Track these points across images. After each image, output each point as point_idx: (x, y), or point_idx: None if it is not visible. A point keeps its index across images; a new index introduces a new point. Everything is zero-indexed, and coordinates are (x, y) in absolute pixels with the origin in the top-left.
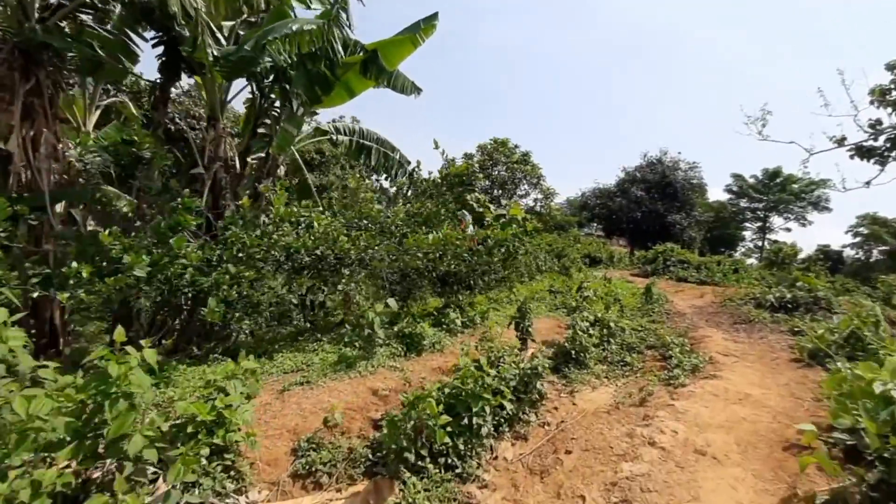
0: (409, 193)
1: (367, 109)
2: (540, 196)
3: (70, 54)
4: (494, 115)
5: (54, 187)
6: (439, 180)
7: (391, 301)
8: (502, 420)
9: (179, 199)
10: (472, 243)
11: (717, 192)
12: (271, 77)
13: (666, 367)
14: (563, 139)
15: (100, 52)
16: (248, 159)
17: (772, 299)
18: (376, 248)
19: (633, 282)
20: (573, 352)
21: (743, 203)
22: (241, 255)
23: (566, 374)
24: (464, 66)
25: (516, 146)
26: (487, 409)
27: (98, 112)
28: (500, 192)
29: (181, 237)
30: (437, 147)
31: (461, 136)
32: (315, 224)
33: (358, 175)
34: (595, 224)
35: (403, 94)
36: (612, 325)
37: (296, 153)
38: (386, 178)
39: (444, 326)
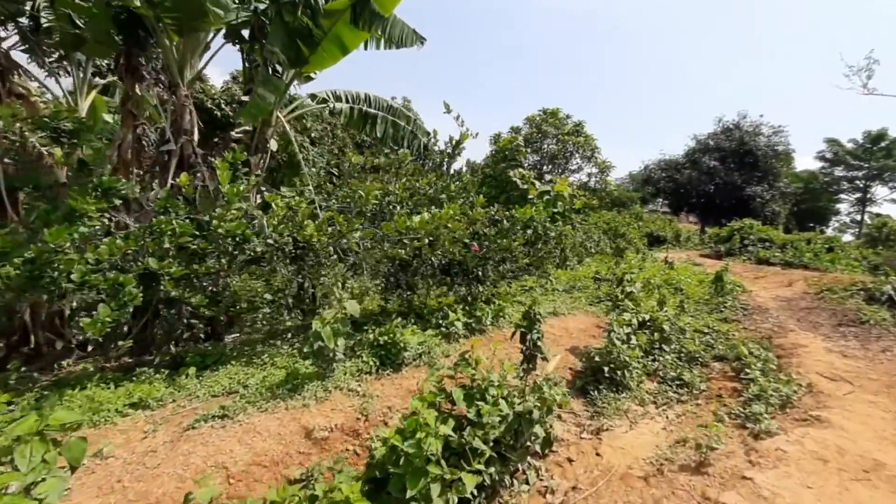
0: (414, 166)
1: (424, 86)
2: (594, 170)
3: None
4: (551, 85)
5: (13, 171)
6: (491, 154)
7: (351, 304)
8: (472, 497)
9: (96, 179)
10: (477, 227)
11: (805, 161)
12: (246, 34)
13: (740, 393)
14: (626, 108)
15: (79, 23)
16: (234, 132)
17: (892, 291)
18: (352, 234)
19: (701, 264)
20: (606, 369)
21: (838, 171)
22: (171, 245)
23: (595, 400)
24: (524, 35)
25: (568, 116)
26: (436, 488)
27: (93, 93)
28: (550, 166)
29: (62, 228)
30: (448, 111)
31: (520, 108)
32: (274, 206)
33: (366, 150)
34: (660, 200)
35: (405, 47)
36: (666, 326)
37: (285, 125)
38: (395, 151)
39: (442, 329)
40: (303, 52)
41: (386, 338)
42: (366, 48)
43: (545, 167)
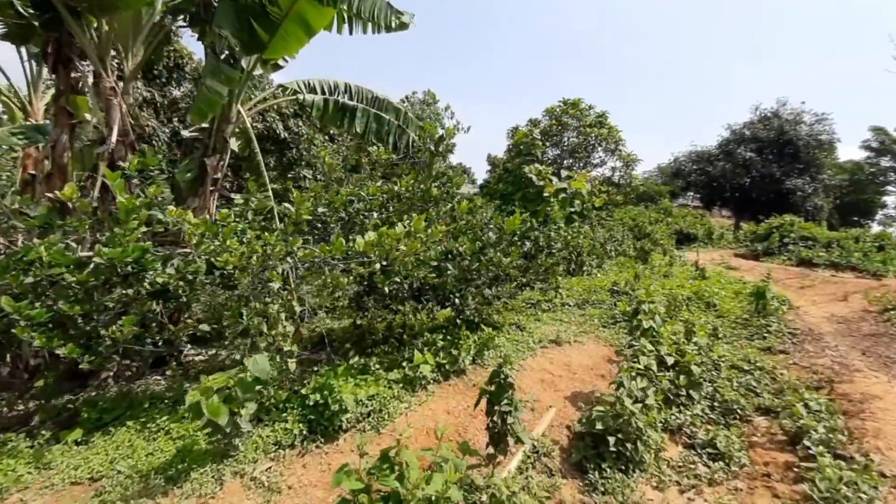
0: (404, 165)
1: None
2: (619, 164)
3: None
4: (575, 74)
5: None
6: (511, 147)
7: (259, 359)
8: None
9: None
10: (446, 245)
11: (849, 151)
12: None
13: (795, 471)
14: (655, 98)
15: (25, 12)
16: (187, 132)
17: None
18: (283, 258)
19: (737, 267)
20: (612, 440)
21: (885, 162)
22: (40, 278)
23: (595, 483)
24: (543, 21)
25: (590, 107)
26: None
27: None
28: (571, 161)
29: None
30: (434, 101)
31: (542, 100)
32: (187, 224)
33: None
34: (691, 194)
35: (384, 28)
36: (695, 368)
37: (247, 121)
38: (377, 148)
39: (406, 374)
40: (259, 34)
41: (318, 396)
42: (339, 31)
43: (566, 161)
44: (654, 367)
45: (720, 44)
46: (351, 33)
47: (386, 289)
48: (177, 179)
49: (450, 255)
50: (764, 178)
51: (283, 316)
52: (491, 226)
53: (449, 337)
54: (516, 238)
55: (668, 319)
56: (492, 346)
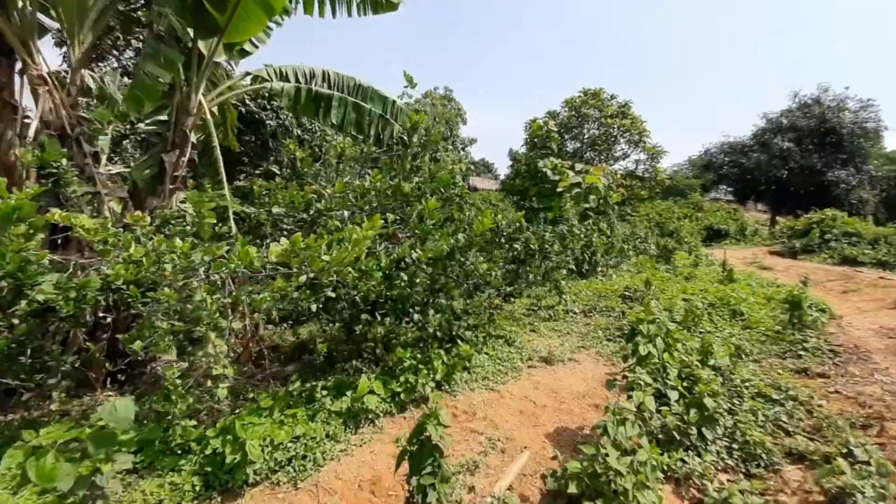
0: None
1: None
2: (643, 156)
3: None
4: (597, 63)
5: None
6: (527, 141)
7: (119, 405)
8: None
9: None
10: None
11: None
12: None
13: None
14: (684, 87)
15: None
16: (141, 125)
17: None
18: (176, 274)
19: (770, 267)
20: None
21: None
22: None
23: None
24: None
25: (612, 96)
26: None
27: None
28: (592, 153)
29: None
30: (411, 84)
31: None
32: (78, 227)
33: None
34: (723, 187)
35: (366, 11)
36: (709, 402)
37: (206, 113)
38: (358, 140)
39: (349, 409)
40: (211, 14)
41: (218, 442)
42: (310, 13)
43: (586, 154)
44: (652, 406)
45: (745, 24)
46: (334, 15)
47: (312, 307)
48: (135, 178)
49: (402, 264)
50: (803, 169)
51: (211, 335)
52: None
53: (418, 354)
54: (502, 240)
55: (684, 332)
56: (466, 367)
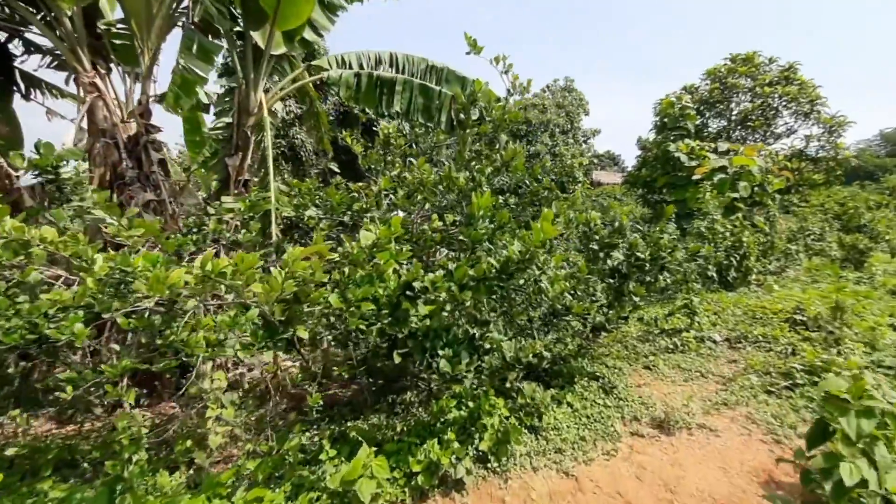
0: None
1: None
2: (816, 131)
3: None
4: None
5: None
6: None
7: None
8: None
9: None
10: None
11: None
12: None
13: None
14: (870, 40)
15: None
16: (207, 129)
17: None
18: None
19: None
20: None
21: None
22: None
23: None
24: None
25: (770, 60)
26: None
27: None
28: (743, 132)
29: None
30: (475, 49)
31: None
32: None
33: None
34: None
35: None
36: None
37: (265, 112)
38: (424, 128)
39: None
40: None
41: None
42: None
43: (734, 134)
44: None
45: None
46: None
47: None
48: (203, 186)
49: (411, 290)
50: None
51: (206, 367)
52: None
53: (472, 401)
54: (595, 247)
55: None
56: (534, 425)
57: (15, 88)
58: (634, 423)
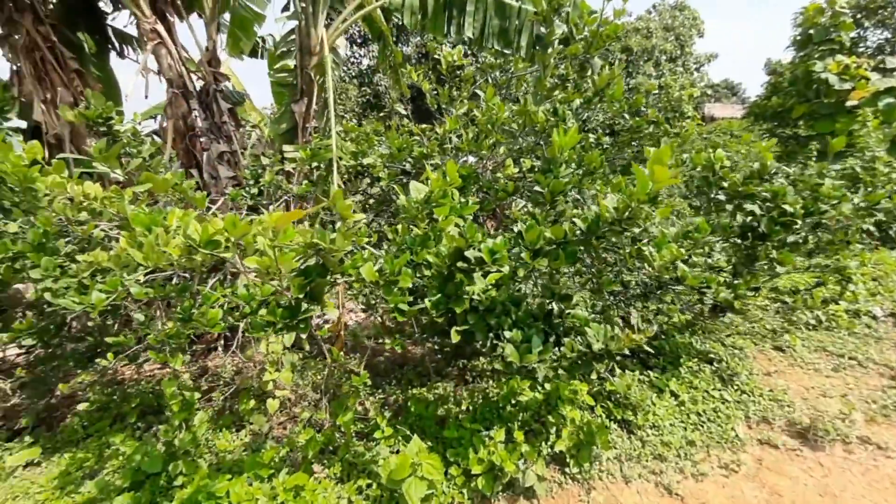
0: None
1: None
2: None
3: None
4: None
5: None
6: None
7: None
8: None
9: None
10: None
11: None
12: None
13: None
14: None
15: None
16: (272, 73)
17: None
18: None
19: None
20: None
21: None
22: None
23: None
24: None
25: None
26: None
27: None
28: None
29: None
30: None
31: None
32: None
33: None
34: None
35: None
36: None
37: (326, 53)
38: (501, 56)
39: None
40: None
41: None
42: None
43: None
44: None
45: None
46: None
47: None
48: (271, 135)
49: (460, 262)
50: None
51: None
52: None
53: (549, 385)
54: (723, 197)
55: None
56: (628, 419)
57: (110, 46)
58: (764, 428)
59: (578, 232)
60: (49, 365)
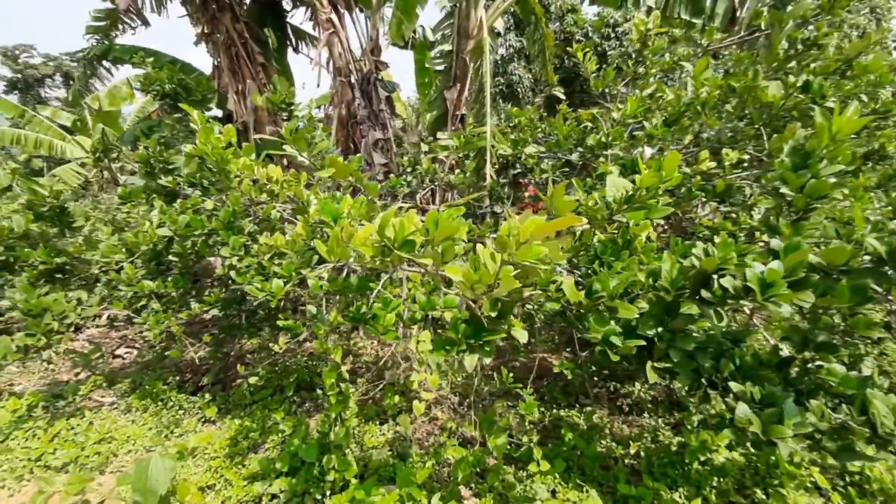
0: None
1: None
2: None
3: None
4: None
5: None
6: None
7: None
8: None
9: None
10: None
11: None
12: None
13: None
14: None
15: None
16: (432, 57)
17: None
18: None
19: None
20: None
21: None
22: None
23: None
24: None
25: None
26: None
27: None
28: None
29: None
30: None
31: None
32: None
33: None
34: None
35: None
36: None
37: (485, 35)
38: (688, 27)
39: None
40: None
41: None
42: None
43: None
44: None
45: None
46: None
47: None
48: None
49: (703, 291)
50: None
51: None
52: None
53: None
54: None
55: None
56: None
57: (288, 42)
58: None
59: (868, 259)
60: (228, 333)
